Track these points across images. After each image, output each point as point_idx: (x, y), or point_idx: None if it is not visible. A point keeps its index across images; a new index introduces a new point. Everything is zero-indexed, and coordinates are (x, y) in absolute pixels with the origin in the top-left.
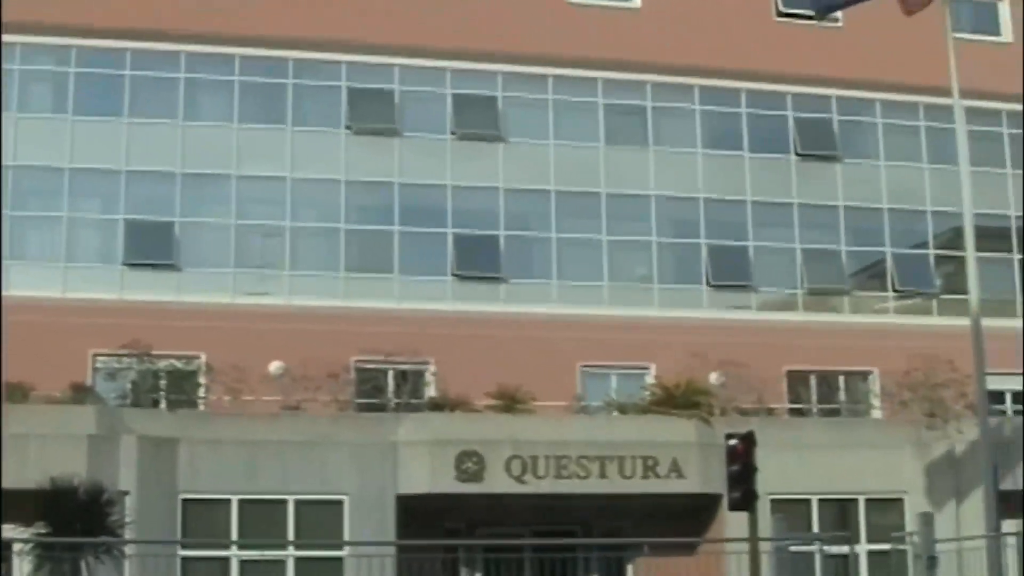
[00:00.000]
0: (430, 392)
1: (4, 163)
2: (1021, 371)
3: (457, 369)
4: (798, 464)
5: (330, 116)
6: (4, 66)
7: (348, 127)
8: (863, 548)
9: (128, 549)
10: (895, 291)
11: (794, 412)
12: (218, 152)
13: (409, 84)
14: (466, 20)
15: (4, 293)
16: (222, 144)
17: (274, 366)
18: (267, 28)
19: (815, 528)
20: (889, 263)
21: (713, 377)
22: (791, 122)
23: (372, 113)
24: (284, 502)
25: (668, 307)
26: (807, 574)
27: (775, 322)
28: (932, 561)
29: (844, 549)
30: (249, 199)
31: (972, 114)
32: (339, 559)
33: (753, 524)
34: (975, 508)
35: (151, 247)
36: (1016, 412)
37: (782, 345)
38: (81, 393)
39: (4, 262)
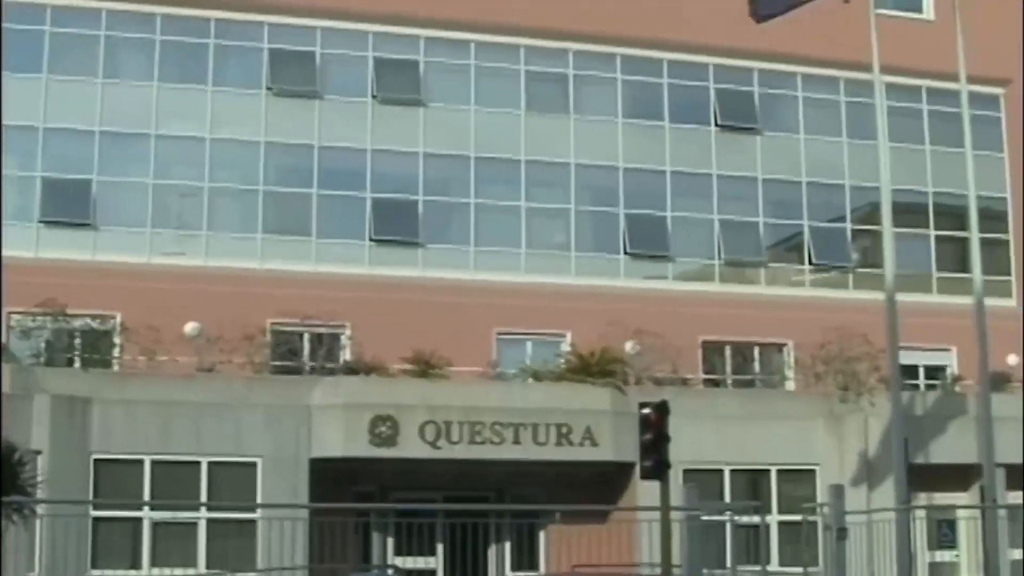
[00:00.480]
0: (345, 356)
1: None
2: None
3: (373, 333)
4: (711, 434)
5: (251, 77)
6: None
7: (269, 88)
8: (774, 519)
9: (40, 509)
10: (811, 264)
11: (708, 382)
12: (137, 111)
13: (331, 47)
14: None
15: None
16: (142, 103)
17: (189, 327)
18: None
19: (727, 498)
20: (806, 236)
21: (628, 346)
22: (712, 93)
23: (293, 75)
24: (197, 464)
25: (585, 275)
26: (718, 543)
27: (691, 292)
28: (842, 533)
29: (755, 519)
30: (168, 159)
31: (892, 90)
32: (252, 521)
33: (665, 493)
34: (886, 481)
35: (68, 205)
36: (929, 387)
37: (698, 315)
38: None
39: None
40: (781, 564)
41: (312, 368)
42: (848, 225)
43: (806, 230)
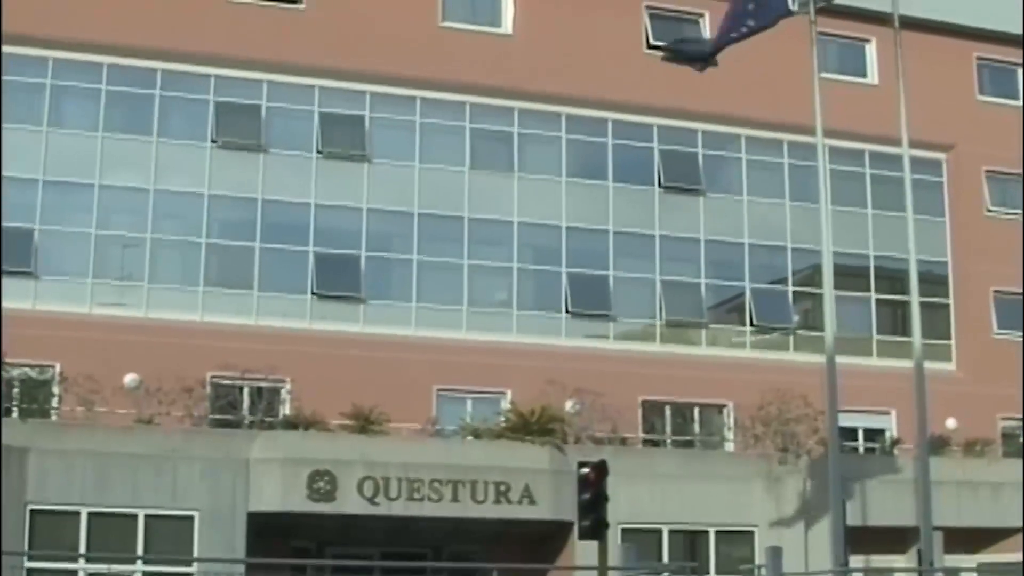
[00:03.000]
0: (285, 410)
1: None
2: (867, 409)
3: (313, 388)
4: (650, 494)
5: (196, 129)
6: None
7: (214, 141)
8: None
9: None
10: (752, 325)
11: (648, 442)
12: (82, 160)
13: (277, 100)
14: (335, 39)
15: None
16: (86, 152)
17: (129, 378)
18: (136, 38)
19: (665, 558)
20: (748, 297)
21: (568, 404)
22: (656, 154)
23: (239, 127)
24: (134, 516)
25: (526, 333)
26: None
27: (632, 352)
28: None
29: None
30: (111, 209)
31: (836, 153)
32: (189, 575)
33: (603, 552)
34: (823, 543)
35: (10, 254)
36: (868, 449)
37: (638, 375)
38: None
39: None
40: None
41: (251, 422)
42: (790, 287)
43: (748, 291)
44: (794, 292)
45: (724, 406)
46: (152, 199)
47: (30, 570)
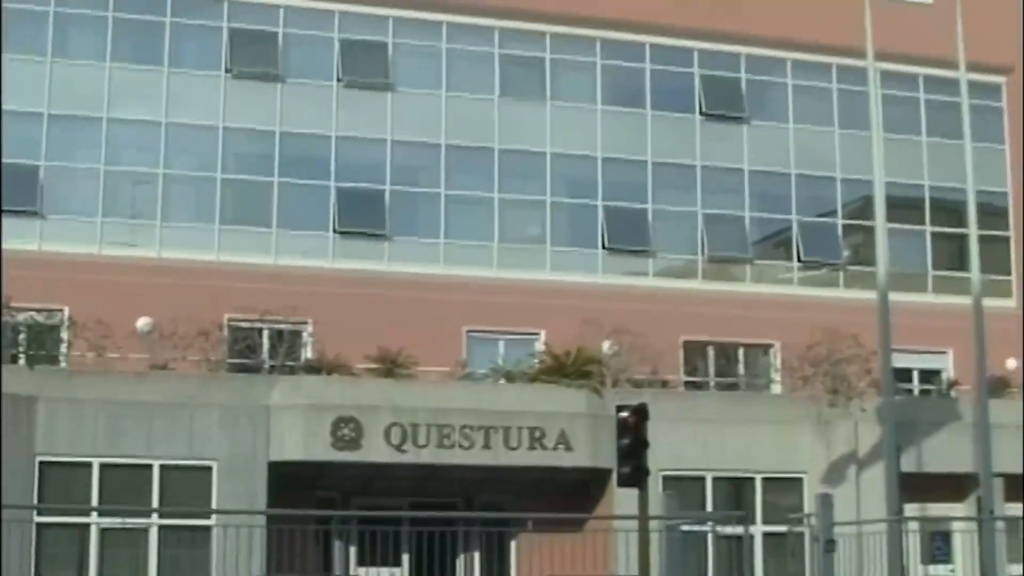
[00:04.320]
0: (307, 354)
1: None
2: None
3: (336, 330)
4: (693, 439)
5: (210, 58)
6: None
7: (229, 70)
8: (758, 529)
9: None
10: (800, 261)
11: (690, 385)
12: (89, 92)
13: (294, 26)
14: None
15: None
16: (93, 84)
17: (142, 322)
18: None
19: (709, 507)
20: (795, 231)
21: (606, 346)
22: (697, 80)
23: (254, 56)
24: (149, 467)
25: (561, 271)
26: (699, 555)
27: (673, 290)
28: (830, 544)
29: (739, 530)
30: (120, 144)
31: (888, 77)
32: (206, 528)
33: (643, 501)
34: (877, 490)
35: (14, 192)
36: (923, 391)
37: (679, 314)
38: None
39: None
40: None
41: (271, 367)
42: (839, 220)
43: (795, 225)
44: (844, 225)
45: (770, 346)
46: (164, 133)
47: (40, 524)
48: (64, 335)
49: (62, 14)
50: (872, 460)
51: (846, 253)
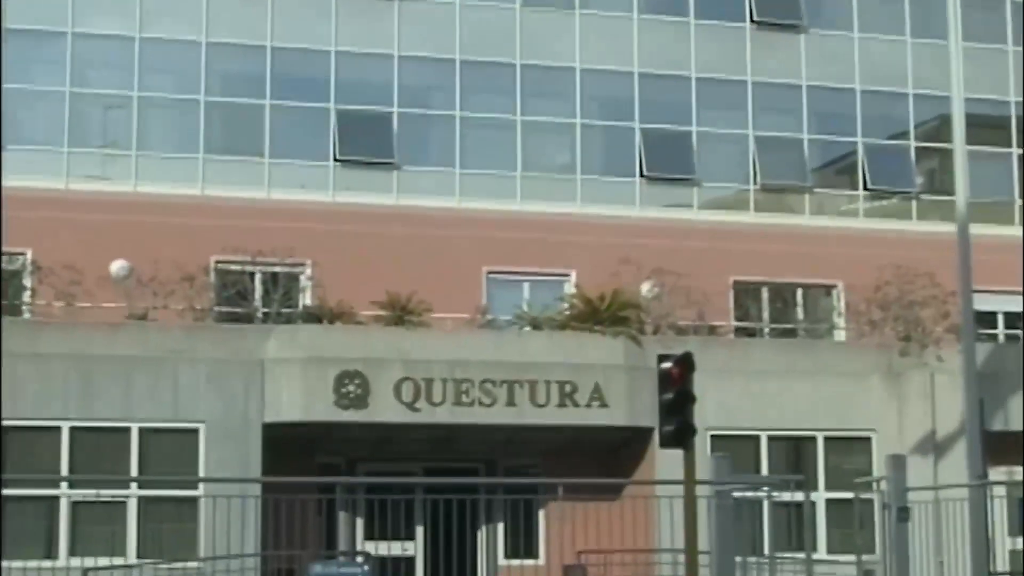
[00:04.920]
0: (305, 300)
1: None
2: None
3: (338, 273)
4: (745, 394)
5: None
6: None
7: None
8: (821, 496)
9: None
10: (867, 190)
11: (741, 331)
12: (51, 3)
13: None
14: None
15: None
16: None
17: (116, 266)
18: None
19: (764, 471)
20: (860, 156)
21: (645, 288)
22: None
23: None
24: (126, 430)
25: (593, 203)
26: (754, 525)
27: (721, 224)
28: (903, 513)
29: (798, 496)
30: (89, 62)
31: None
32: (193, 499)
33: (689, 464)
34: (957, 452)
35: None
36: (1010, 337)
37: (729, 251)
38: None
39: None
40: (829, 551)
41: (265, 315)
42: (912, 143)
43: (860, 148)
44: (917, 148)
45: (833, 287)
46: (138, 49)
47: (3, 497)
48: (27, 282)
49: None
50: (951, 417)
51: (920, 180)
